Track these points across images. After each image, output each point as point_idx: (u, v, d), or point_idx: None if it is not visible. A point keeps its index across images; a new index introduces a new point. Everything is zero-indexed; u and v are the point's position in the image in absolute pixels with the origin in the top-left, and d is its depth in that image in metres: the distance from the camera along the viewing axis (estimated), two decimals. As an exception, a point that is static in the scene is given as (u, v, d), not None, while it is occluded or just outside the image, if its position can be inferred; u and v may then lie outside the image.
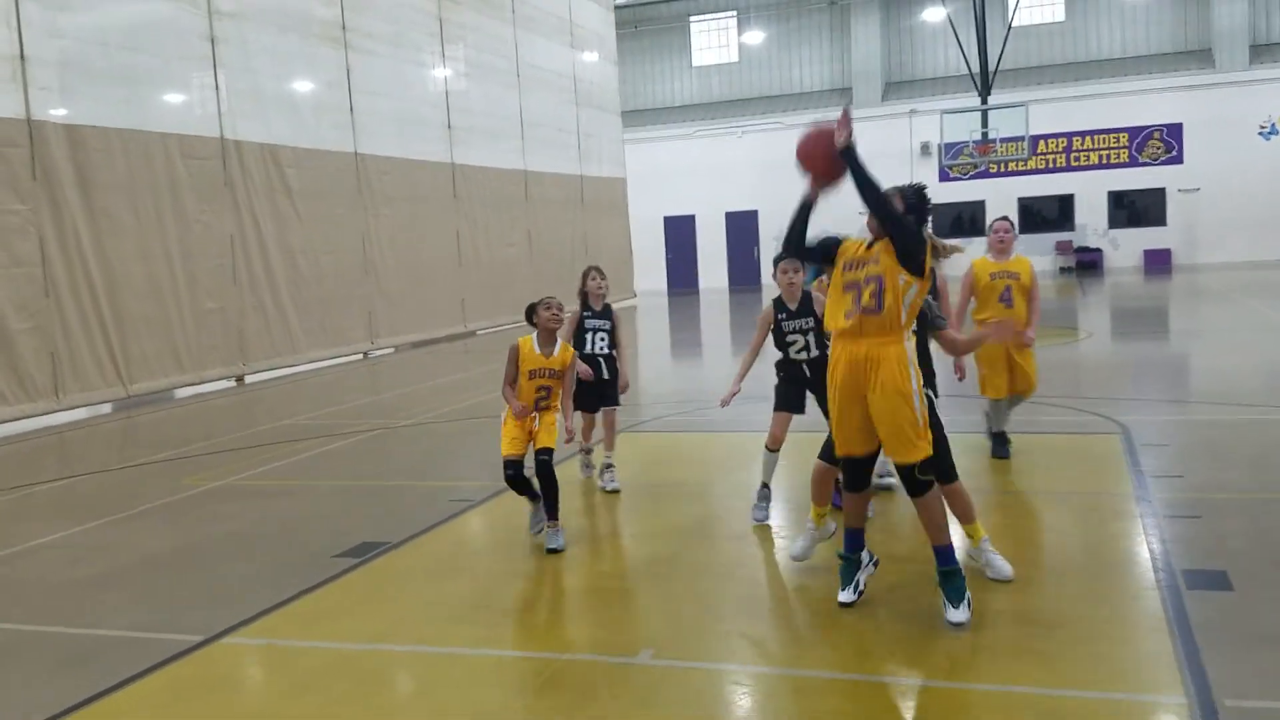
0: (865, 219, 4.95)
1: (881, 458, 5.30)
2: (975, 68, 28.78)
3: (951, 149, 29.30)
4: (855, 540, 5.15)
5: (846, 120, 4.91)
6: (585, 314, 7.64)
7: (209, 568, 6.50)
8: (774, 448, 6.60)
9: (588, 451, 7.99)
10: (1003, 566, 5.34)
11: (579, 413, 7.55)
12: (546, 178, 25.63)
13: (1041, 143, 31.49)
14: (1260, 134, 30.63)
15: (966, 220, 33.25)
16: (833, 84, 35.42)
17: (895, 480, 7.14)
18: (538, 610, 5.46)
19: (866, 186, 4.79)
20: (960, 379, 7.66)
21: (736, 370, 6.81)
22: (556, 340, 6.42)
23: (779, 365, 6.68)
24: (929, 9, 32.77)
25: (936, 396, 5.67)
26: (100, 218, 13.80)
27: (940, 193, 33.00)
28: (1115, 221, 32.18)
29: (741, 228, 34.76)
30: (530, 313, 6.42)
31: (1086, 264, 31.55)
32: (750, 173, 33.98)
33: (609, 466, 7.74)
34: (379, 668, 4.80)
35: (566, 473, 7.75)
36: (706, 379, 15.08)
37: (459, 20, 22.16)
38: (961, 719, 4.03)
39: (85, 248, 13.56)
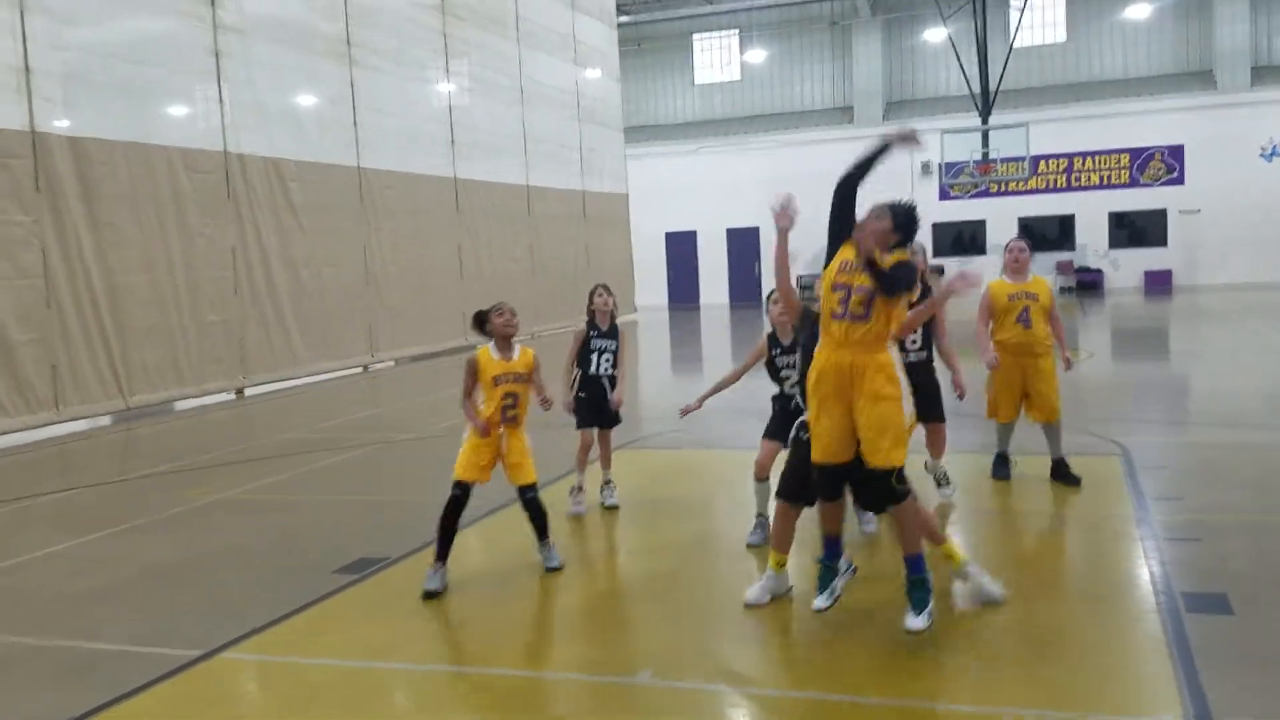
0: (861, 226, 5.00)
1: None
2: (976, 88, 28.87)
3: (952, 168, 29.38)
4: (833, 547, 5.16)
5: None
6: (592, 333, 7.44)
7: (208, 581, 6.50)
8: (762, 477, 6.51)
9: (580, 489, 7.58)
10: (993, 589, 5.32)
11: (580, 430, 7.49)
12: (549, 193, 25.70)
13: (1042, 163, 31.56)
14: (1262, 155, 30.70)
15: (967, 239, 33.32)
16: (834, 103, 35.54)
17: (952, 491, 7.19)
18: (536, 629, 5.45)
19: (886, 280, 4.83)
20: (960, 397, 7.27)
21: (708, 387, 6.82)
22: (514, 345, 6.19)
23: (775, 399, 6.62)
24: (930, 29, 32.90)
25: None
26: (103, 229, 13.82)
27: (941, 212, 33.17)
28: (1116, 242, 32.23)
29: (743, 244, 34.81)
30: (481, 322, 6.18)
31: (1087, 284, 31.59)
32: (752, 190, 34.00)
33: (607, 483, 7.69)
34: (376, 685, 4.79)
35: (554, 495, 7.76)
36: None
37: (463, 36, 22.25)
38: (961, 741, 4.02)
39: (88, 259, 13.58)
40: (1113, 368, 15.88)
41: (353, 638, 5.30)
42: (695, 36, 36.79)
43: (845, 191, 5.08)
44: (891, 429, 4.81)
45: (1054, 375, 7.69)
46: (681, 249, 35.82)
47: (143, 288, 14.42)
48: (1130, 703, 4.24)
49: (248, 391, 16.33)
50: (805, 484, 5.31)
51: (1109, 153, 31.98)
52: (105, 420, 14.08)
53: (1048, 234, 32.52)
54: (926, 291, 6.86)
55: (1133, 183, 31.86)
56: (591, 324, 7.47)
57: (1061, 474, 7.72)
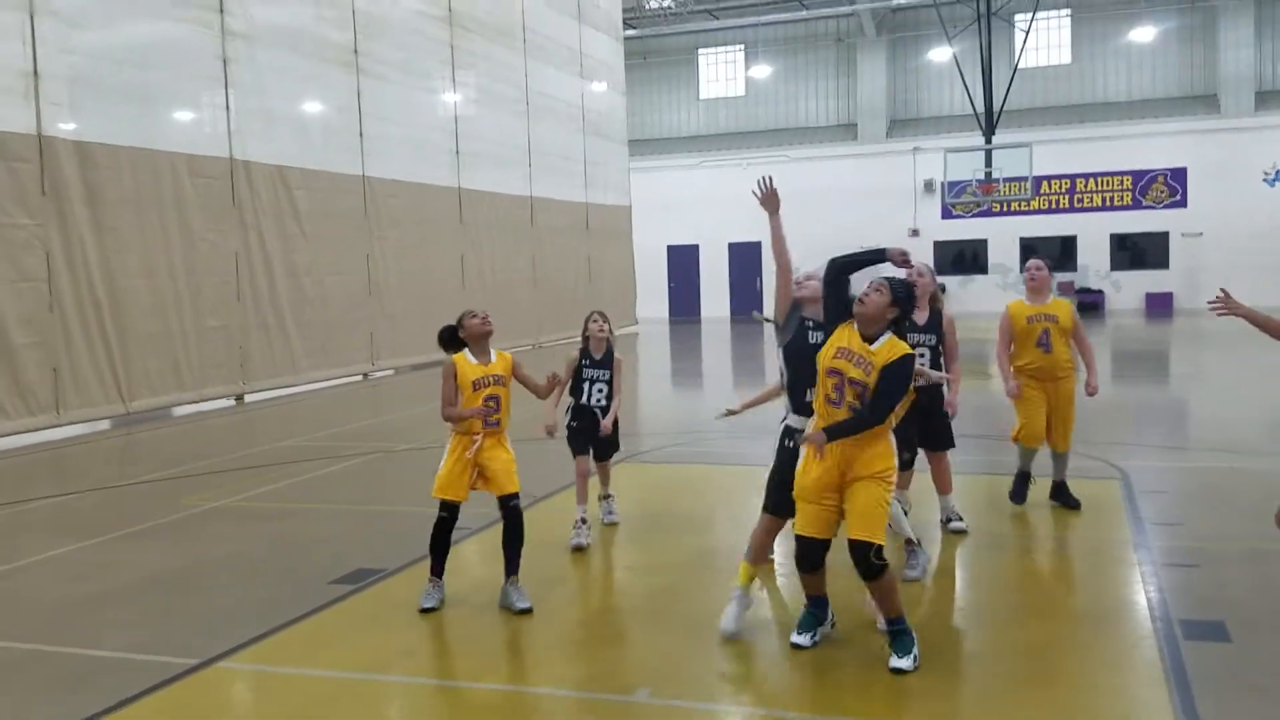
0: (861, 299, 4.92)
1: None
2: (980, 107, 28.96)
3: (955, 187, 29.44)
4: (820, 605, 5.19)
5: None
6: (584, 362, 7.18)
7: (206, 589, 6.49)
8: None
9: (584, 521, 7.17)
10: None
11: (576, 457, 7.25)
12: (552, 204, 25.75)
13: (1045, 183, 31.63)
14: (1265, 180, 30.78)
15: (969, 258, 33.38)
16: (838, 120, 35.64)
17: (964, 524, 7.10)
18: (533, 644, 5.44)
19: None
20: (951, 415, 7.06)
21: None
22: (490, 349, 5.95)
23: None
24: (935, 49, 33.00)
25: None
26: (107, 234, 13.85)
27: (943, 231, 33.25)
28: (1118, 264, 32.29)
29: (744, 258, 34.84)
30: (451, 336, 5.94)
31: (1088, 305, 31.61)
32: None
33: (607, 496, 7.64)
34: (372, 698, 4.78)
35: (539, 520, 7.75)
36: (707, 410, 15.07)
37: (470, 48, 22.33)
38: (957, 766, 4.01)
39: (91, 263, 13.60)
40: (1113, 390, 15.88)
41: (349, 650, 5.29)
42: (701, 51, 36.92)
43: (837, 274, 5.08)
44: (878, 511, 4.81)
45: (1073, 401, 7.49)
46: (683, 262, 35.88)
47: (145, 292, 14.43)
48: (1127, 730, 4.23)
49: (248, 398, 16.34)
50: (790, 493, 5.21)
51: (1112, 174, 32.07)
52: (105, 425, 14.08)
53: (1049, 254, 32.57)
54: (936, 316, 6.85)
55: (1135, 205, 31.95)
56: (585, 352, 7.21)
57: (1062, 496, 7.68)
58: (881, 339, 4.88)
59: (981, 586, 6.28)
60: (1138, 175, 31.86)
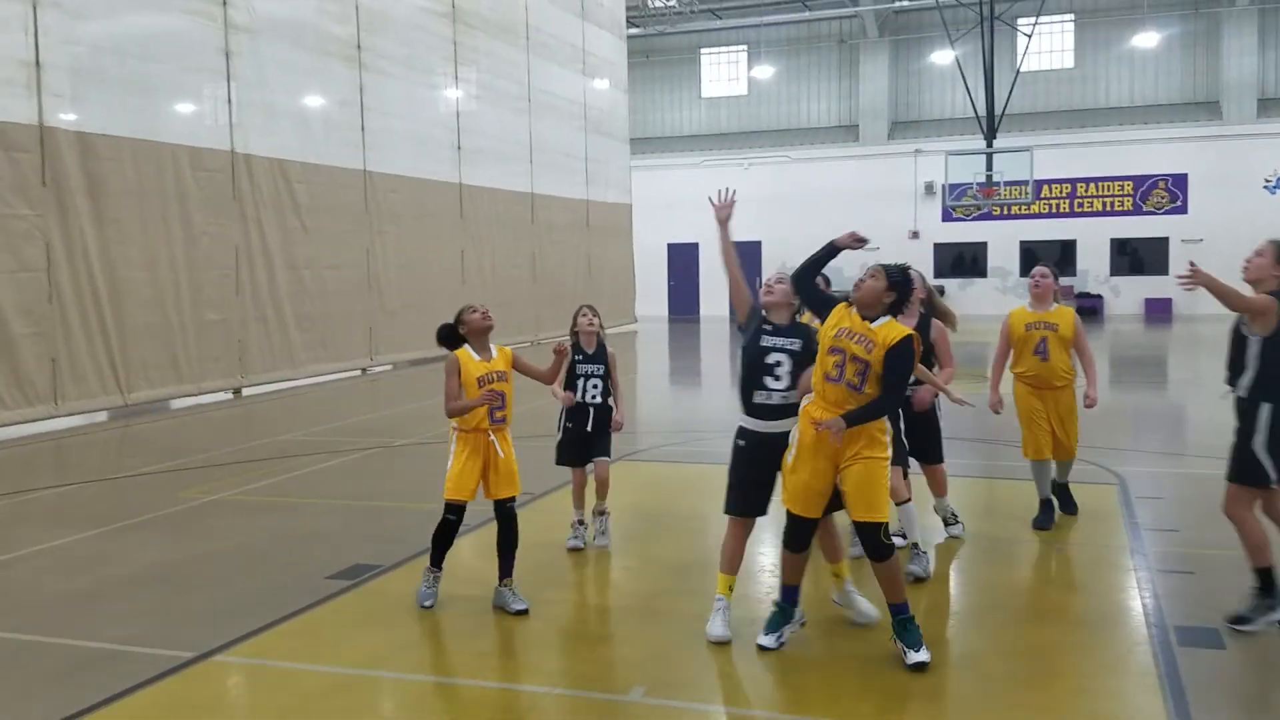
0: (858, 284, 5.00)
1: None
2: (982, 111, 28.96)
3: (955, 190, 29.44)
4: (791, 595, 5.19)
5: None
6: (577, 358, 6.82)
7: (203, 583, 6.50)
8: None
9: (581, 523, 7.04)
10: (868, 610, 5.37)
11: (573, 471, 7.03)
12: (553, 201, 25.76)
13: (1046, 187, 31.64)
14: (1266, 187, 30.80)
15: (968, 261, 33.38)
16: (839, 120, 35.64)
17: (960, 528, 7.11)
18: (529, 642, 5.44)
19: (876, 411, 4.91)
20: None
21: None
22: (490, 345, 5.89)
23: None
24: (938, 51, 33.00)
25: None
26: (107, 225, 13.84)
27: (943, 233, 33.24)
28: (1117, 269, 32.30)
29: (744, 258, 34.49)
30: (450, 334, 5.86)
31: (1087, 310, 31.61)
32: (755, 204, 33.87)
33: (602, 513, 7.01)
34: (367, 694, 4.79)
35: (536, 519, 7.74)
36: (704, 409, 15.09)
37: (473, 44, 22.33)
38: (951, 770, 4.02)
39: (91, 254, 13.60)
40: (1111, 396, 15.90)
41: (345, 645, 5.30)
42: (703, 51, 36.91)
43: (801, 283, 5.22)
44: (876, 487, 4.84)
45: (1074, 411, 7.34)
46: (683, 260, 35.87)
47: (144, 284, 14.43)
48: (1121, 736, 4.25)
49: (246, 391, 16.34)
50: (755, 490, 5.29)
51: (1113, 179, 32.08)
52: (102, 416, 14.08)
53: (1049, 259, 32.59)
54: (925, 321, 6.73)
55: (1135, 210, 31.96)
56: (575, 347, 6.83)
57: (1062, 498, 7.61)
58: (881, 320, 4.93)
59: (978, 590, 6.29)
60: (1139, 180, 31.87)
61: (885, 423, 4.99)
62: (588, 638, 5.58)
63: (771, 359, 5.25)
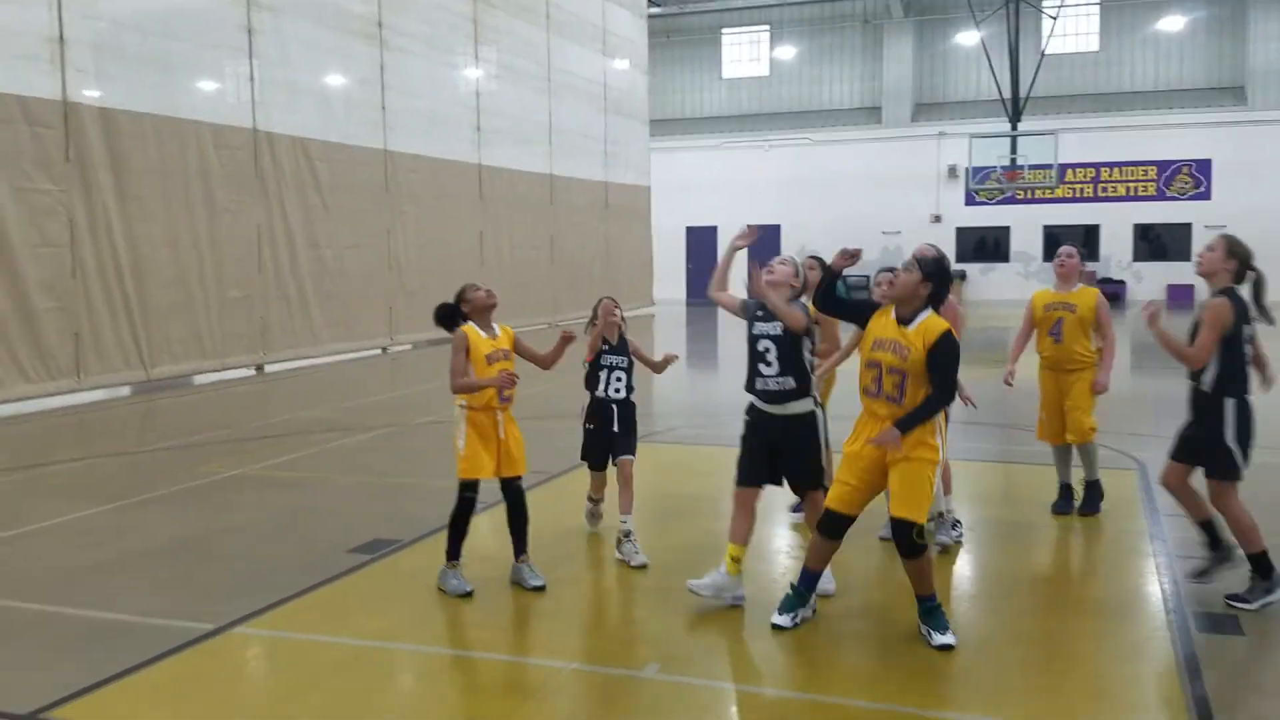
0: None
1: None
2: (1006, 93, 28.71)
3: (979, 173, 29.23)
4: (811, 581, 5.19)
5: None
6: (604, 347, 6.50)
7: (222, 556, 6.55)
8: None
9: (596, 502, 6.92)
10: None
11: (592, 473, 6.77)
12: (572, 183, 25.72)
13: (1069, 172, 31.39)
14: (1290, 173, 30.46)
15: (990, 245, 33.18)
16: (862, 102, 35.40)
17: (960, 533, 7.06)
18: (544, 618, 5.47)
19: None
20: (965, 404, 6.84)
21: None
22: (493, 323, 5.84)
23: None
24: (963, 33, 32.74)
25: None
26: (130, 202, 13.91)
27: (965, 217, 33.02)
28: (1140, 254, 32.05)
29: (764, 241, 34.56)
30: (451, 313, 5.84)
31: (1109, 295, 31.17)
32: (775, 187, 34.00)
33: (628, 535, 6.35)
34: (385, 666, 4.83)
35: (550, 499, 7.76)
36: (721, 392, 15.07)
37: (493, 24, 22.28)
38: (966, 750, 4.03)
39: (114, 230, 13.68)
40: (1131, 381, 15.79)
41: (364, 618, 5.34)
42: (724, 31, 36.69)
43: (829, 306, 5.26)
44: (920, 487, 4.83)
45: (1086, 394, 7.15)
46: (702, 244, 35.77)
47: (167, 261, 14.51)
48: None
49: (268, 368, 16.43)
50: (759, 462, 5.43)
51: (1136, 164, 31.80)
52: (125, 391, 14.18)
53: (1073, 243, 32.36)
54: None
55: (1159, 195, 31.69)
56: (603, 338, 6.53)
57: (1085, 496, 7.30)
58: (919, 318, 4.91)
59: (995, 574, 6.28)
60: (1162, 166, 31.58)
61: (936, 423, 4.93)
62: (603, 615, 5.61)
63: (761, 346, 5.44)
